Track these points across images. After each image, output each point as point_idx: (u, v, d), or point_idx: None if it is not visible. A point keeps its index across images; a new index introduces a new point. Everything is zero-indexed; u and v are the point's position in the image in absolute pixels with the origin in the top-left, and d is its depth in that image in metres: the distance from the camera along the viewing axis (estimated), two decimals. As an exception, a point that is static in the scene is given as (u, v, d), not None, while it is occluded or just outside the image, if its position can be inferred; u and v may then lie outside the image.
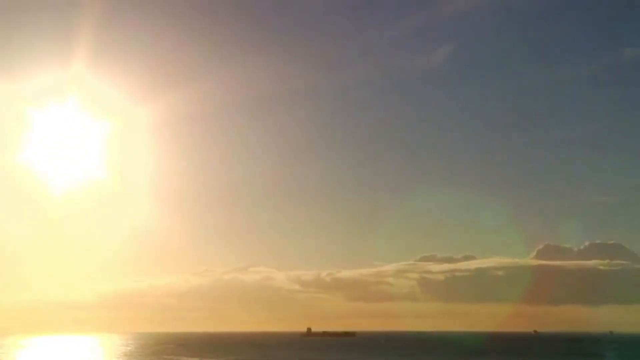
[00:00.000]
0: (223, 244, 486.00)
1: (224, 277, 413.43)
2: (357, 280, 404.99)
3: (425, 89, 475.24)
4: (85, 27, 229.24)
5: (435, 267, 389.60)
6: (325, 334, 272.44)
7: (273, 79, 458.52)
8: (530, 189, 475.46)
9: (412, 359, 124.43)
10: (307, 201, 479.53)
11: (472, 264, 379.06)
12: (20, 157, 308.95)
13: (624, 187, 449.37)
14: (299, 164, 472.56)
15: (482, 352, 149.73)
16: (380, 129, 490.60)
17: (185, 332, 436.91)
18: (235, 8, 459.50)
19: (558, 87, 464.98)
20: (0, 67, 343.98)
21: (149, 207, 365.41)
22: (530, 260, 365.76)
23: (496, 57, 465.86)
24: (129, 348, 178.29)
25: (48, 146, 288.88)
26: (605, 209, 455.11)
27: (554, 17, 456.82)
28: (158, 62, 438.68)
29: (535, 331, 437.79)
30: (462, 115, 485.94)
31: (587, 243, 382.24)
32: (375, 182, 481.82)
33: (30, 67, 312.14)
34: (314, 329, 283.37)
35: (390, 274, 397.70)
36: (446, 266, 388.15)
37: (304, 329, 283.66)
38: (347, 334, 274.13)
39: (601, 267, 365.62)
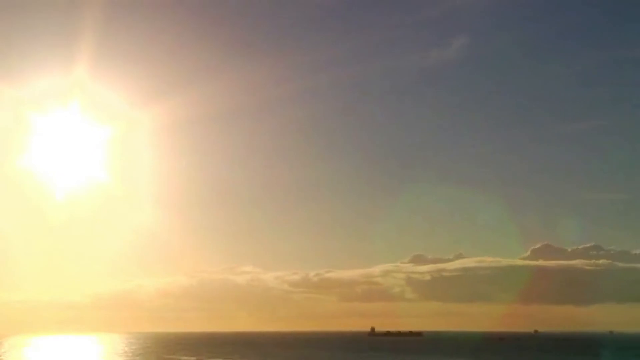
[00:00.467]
0: (217, 245, 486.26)
1: (218, 277, 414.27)
2: (351, 280, 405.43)
3: (421, 88, 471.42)
4: (87, 31, 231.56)
5: (429, 267, 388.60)
6: (389, 333, 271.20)
7: (274, 82, 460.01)
8: (528, 187, 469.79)
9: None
10: (304, 202, 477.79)
11: (466, 263, 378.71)
12: (23, 161, 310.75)
13: (623, 185, 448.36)
14: (295, 165, 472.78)
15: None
16: (376, 128, 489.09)
17: (187, 332, 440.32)
18: (235, 12, 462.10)
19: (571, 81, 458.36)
20: (2, 72, 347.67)
21: (151, 210, 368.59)
22: (525, 261, 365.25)
23: (498, 53, 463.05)
24: (133, 347, 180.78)
25: (50, 150, 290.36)
26: (606, 208, 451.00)
27: (575, 8, 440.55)
28: (159, 67, 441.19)
29: (535, 331, 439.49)
30: (458, 112, 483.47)
31: (588, 244, 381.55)
32: (368, 181, 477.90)
33: (33, 72, 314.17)
34: (377, 329, 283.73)
35: (383, 274, 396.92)
36: (440, 266, 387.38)
37: (304, 329, 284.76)
38: (412, 334, 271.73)
39: (595, 267, 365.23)
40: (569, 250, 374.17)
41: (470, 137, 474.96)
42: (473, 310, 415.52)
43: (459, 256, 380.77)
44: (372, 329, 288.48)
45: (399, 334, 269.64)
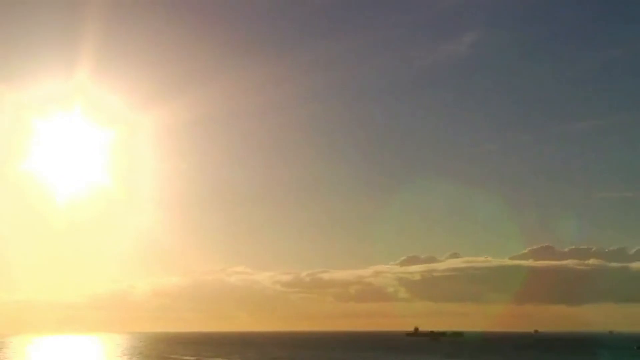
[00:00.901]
0: (215, 245, 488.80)
1: (215, 277, 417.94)
2: (345, 280, 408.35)
3: (423, 86, 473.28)
4: (88, 35, 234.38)
5: (424, 267, 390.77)
6: (432, 333, 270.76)
7: (274, 83, 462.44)
8: (528, 187, 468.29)
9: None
10: (300, 202, 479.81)
11: (461, 263, 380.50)
12: (25, 165, 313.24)
13: (624, 185, 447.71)
14: (293, 165, 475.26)
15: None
16: (375, 127, 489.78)
17: (185, 332, 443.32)
18: (234, 14, 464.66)
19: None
20: (5, 76, 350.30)
21: (151, 212, 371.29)
22: (523, 261, 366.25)
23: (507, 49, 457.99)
24: (133, 347, 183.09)
25: (52, 153, 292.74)
26: (606, 207, 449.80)
27: (582, 6, 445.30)
28: (161, 70, 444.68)
29: (535, 331, 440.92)
30: (458, 111, 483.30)
31: (586, 244, 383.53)
32: (365, 181, 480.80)
33: (35, 76, 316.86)
34: (421, 329, 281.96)
35: (377, 274, 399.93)
36: (435, 265, 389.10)
37: (301, 329, 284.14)
38: (455, 334, 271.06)
39: (588, 267, 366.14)
40: (566, 250, 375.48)
41: (470, 136, 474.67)
42: (468, 310, 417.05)
43: (454, 256, 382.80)
44: (416, 328, 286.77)
45: (442, 334, 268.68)
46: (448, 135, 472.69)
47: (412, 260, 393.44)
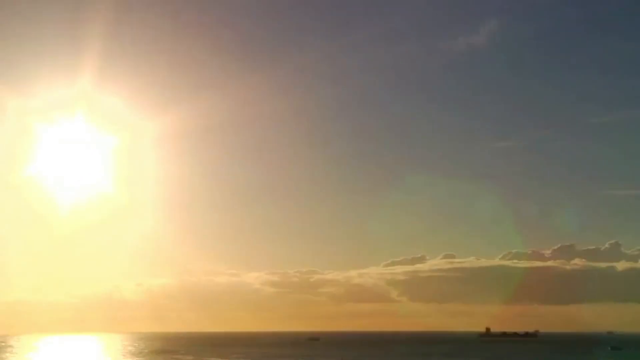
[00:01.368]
0: (218, 248, 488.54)
1: (216, 279, 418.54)
2: (338, 281, 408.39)
3: (431, 79, 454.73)
4: (92, 42, 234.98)
5: (417, 267, 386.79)
6: (504, 334, 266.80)
7: (278, 92, 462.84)
8: (532, 182, 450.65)
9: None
10: (304, 202, 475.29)
11: (455, 264, 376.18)
12: (28, 171, 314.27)
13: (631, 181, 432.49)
14: (282, 166, 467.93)
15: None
16: (371, 124, 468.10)
17: (183, 332, 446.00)
18: (242, 22, 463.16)
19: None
20: (8, 82, 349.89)
21: (153, 218, 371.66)
22: (523, 261, 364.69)
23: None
24: (133, 346, 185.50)
25: (55, 160, 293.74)
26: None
27: None
28: (165, 77, 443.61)
29: (536, 331, 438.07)
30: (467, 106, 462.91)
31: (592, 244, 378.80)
32: (357, 179, 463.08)
33: (38, 82, 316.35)
34: (492, 329, 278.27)
35: (371, 274, 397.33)
36: (428, 266, 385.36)
37: (298, 329, 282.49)
38: (528, 335, 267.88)
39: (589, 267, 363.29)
40: (574, 249, 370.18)
41: (484, 132, 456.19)
42: (464, 310, 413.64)
43: (448, 256, 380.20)
44: (487, 329, 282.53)
45: (515, 335, 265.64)
46: (457, 132, 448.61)
47: (404, 261, 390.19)
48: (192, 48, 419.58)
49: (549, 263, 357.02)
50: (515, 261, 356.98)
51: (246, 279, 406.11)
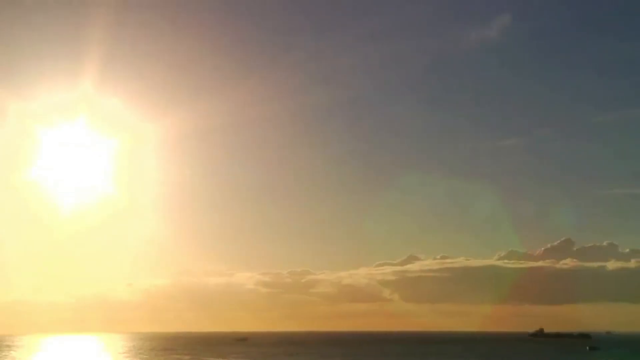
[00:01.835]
0: (217, 248, 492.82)
1: (215, 280, 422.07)
2: (327, 281, 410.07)
3: (432, 77, 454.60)
4: (94, 45, 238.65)
5: (410, 267, 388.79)
6: (558, 335, 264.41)
7: (279, 95, 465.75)
8: (529, 181, 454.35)
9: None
10: (296, 203, 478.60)
11: (450, 264, 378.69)
12: (30, 174, 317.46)
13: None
14: (288, 165, 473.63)
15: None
16: (369, 122, 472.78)
17: (182, 332, 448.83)
18: (244, 25, 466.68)
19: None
20: (10, 85, 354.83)
21: (155, 221, 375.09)
22: (521, 260, 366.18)
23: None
24: (138, 345, 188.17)
25: (57, 163, 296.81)
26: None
27: None
28: (166, 80, 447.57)
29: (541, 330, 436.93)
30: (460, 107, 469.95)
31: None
32: (358, 176, 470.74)
33: (40, 85, 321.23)
34: (546, 330, 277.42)
35: (364, 275, 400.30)
36: (421, 266, 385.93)
37: (294, 329, 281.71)
38: (582, 336, 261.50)
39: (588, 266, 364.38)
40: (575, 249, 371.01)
41: (488, 131, 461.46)
42: (458, 310, 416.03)
43: (443, 257, 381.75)
44: (541, 329, 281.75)
45: (569, 335, 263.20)
46: (458, 132, 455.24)
47: (398, 261, 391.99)
48: (192, 51, 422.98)
49: (547, 263, 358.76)
50: (510, 261, 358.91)
51: (239, 280, 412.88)
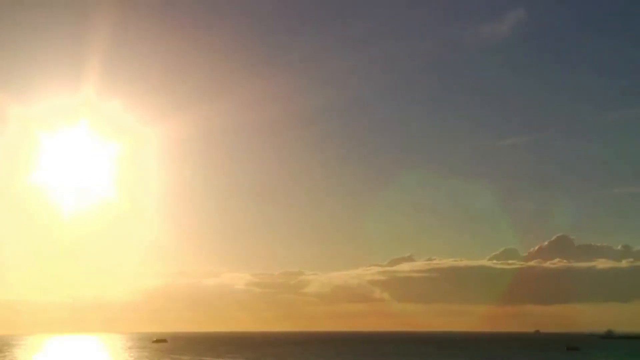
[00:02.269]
0: (216, 249, 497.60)
1: (215, 280, 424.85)
2: (320, 282, 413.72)
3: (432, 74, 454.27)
4: (95, 50, 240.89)
5: (405, 267, 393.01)
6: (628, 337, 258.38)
7: (279, 97, 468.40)
8: (527, 181, 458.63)
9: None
10: (291, 204, 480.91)
11: (445, 264, 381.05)
12: (31, 178, 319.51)
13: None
14: (283, 168, 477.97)
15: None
16: (370, 121, 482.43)
17: (181, 332, 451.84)
18: (246, 29, 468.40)
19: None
20: (11, 90, 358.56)
21: (155, 223, 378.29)
22: (521, 261, 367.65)
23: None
24: (132, 346, 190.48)
25: (59, 167, 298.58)
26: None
27: None
28: (167, 84, 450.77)
29: (537, 331, 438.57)
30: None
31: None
32: (357, 176, 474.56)
33: (41, 90, 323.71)
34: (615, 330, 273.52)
35: (359, 275, 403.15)
36: (415, 266, 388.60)
37: (291, 330, 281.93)
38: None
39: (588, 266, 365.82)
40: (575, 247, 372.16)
41: (492, 130, 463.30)
42: (455, 310, 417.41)
43: (439, 257, 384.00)
44: (609, 331, 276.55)
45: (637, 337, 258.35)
46: (458, 132, 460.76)
47: (393, 261, 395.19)
48: (192, 55, 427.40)
49: (548, 264, 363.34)
50: (507, 261, 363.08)
51: (232, 280, 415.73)
